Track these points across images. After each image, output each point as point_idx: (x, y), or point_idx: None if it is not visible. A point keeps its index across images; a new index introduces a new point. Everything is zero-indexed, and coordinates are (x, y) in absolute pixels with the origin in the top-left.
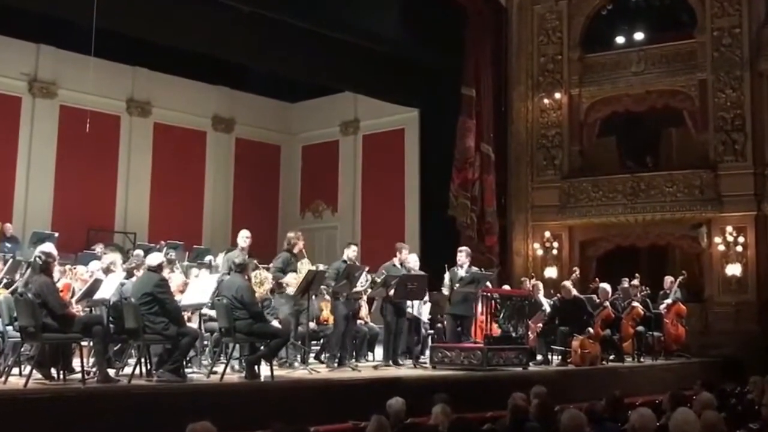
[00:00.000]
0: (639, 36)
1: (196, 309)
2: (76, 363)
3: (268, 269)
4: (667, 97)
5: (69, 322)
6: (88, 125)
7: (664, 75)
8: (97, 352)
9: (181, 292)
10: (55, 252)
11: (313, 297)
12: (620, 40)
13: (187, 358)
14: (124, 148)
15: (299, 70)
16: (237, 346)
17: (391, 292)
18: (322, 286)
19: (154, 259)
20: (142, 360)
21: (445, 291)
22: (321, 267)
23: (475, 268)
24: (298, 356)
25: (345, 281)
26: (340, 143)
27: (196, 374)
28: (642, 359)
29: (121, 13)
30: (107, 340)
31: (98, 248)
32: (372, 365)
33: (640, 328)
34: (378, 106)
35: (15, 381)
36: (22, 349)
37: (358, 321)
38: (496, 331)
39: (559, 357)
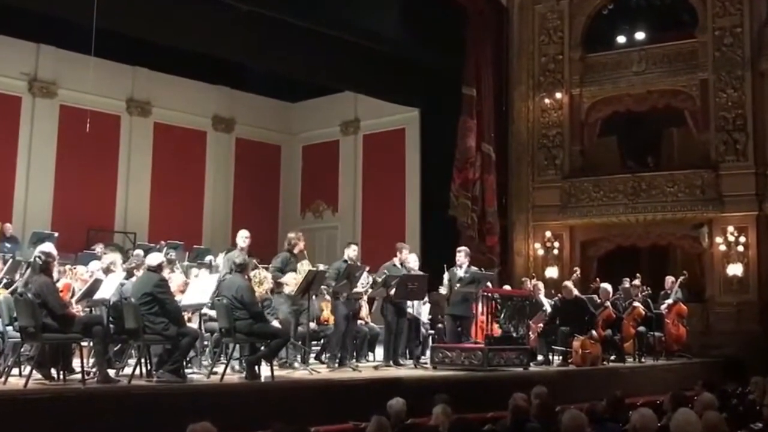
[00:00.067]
0: (640, 36)
1: (196, 309)
2: (76, 363)
3: (267, 269)
4: (668, 97)
5: (69, 323)
6: (88, 125)
7: (665, 75)
8: (97, 352)
9: (182, 292)
10: (54, 252)
11: (314, 297)
12: (621, 39)
13: (188, 359)
14: (124, 148)
15: (299, 69)
16: (237, 346)
17: (392, 292)
18: (322, 286)
19: (154, 259)
20: (142, 360)
21: (443, 291)
22: (321, 267)
23: (474, 268)
24: (298, 356)
25: (345, 281)
26: (341, 143)
27: (196, 374)
28: (643, 359)
29: (121, 12)
30: (107, 341)
31: (98, 248)
32: (372, 365)
33: (641, 328)
34: (378, 105)
35: (15, 381)
36: (22, 350)
37: (359, 321)
38: (497, 331)
39: (560, 357)
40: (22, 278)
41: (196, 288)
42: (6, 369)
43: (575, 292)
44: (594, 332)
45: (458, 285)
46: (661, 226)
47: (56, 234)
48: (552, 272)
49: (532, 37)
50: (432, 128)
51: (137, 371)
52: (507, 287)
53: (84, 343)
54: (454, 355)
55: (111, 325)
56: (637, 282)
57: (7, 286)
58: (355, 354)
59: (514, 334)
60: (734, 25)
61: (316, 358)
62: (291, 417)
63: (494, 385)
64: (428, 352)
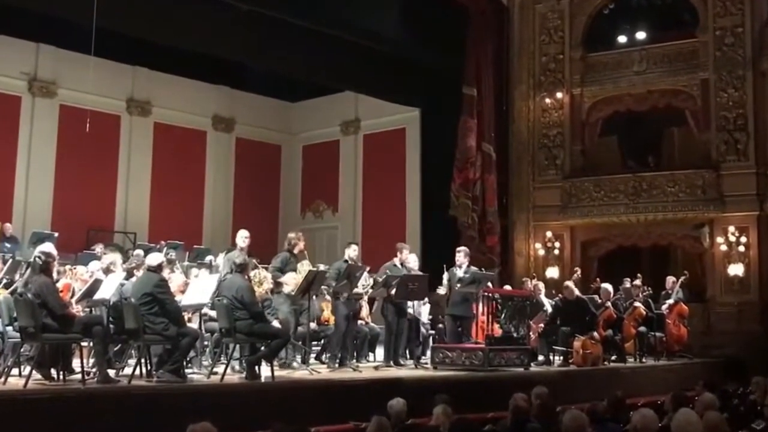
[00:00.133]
0: (641, 35)
1: (197, 309)
2: (76, 363)
3: (267, 269)
4: (669, 97)
5: (69, 323)
6: (88, 125)
7: (666, 74)
8: (97, 352)
9: (182, 292)
10: (54, 252)
11: (314, 297)
12: (622, 39)
13: (188, 359)
14: (124, 148)
15: (300, 69)
16: (237, 346)
17: (392, 292)
18: (322, 287)
19: (154, 259)
20: (142, 360)
21: (442, 291)
22: (321, 267)
23: (474, 268)
24: (298, 356)
25: (346, 281)
26: (341, 143)
27: (196, 375)
28: (644, 360)
29: (121, 12)
30: (107, 341)
31: (98, 248)
32: (373, 366)
33: (642, 328)
34: (379, 105)
35: (15, 381)
36: (22, 350)
37: (359, 321)
38: (498, 331)
39: (561, 357)
40: (22, 278)
41: (196, 288)
42: (6, 369)
43: (577, 292)
44: (595, 332)
45: (458, 285)
46: (662, 226)
47: (56, 234)
48: (553, 272)
49: (532, 36)
50: (432, 128)
51: (137, 371)
52: (507, 287)
53: (84, 344)
54: (455, 356)
55: (111, 325)
56: (638, 282)
57: (7, 286)
58: (355, 354)
59: (515, 335)
60: (735, 25)
61: (316, 359)
62: (291, 417)
63: (495, 386)
64: (429, 353)
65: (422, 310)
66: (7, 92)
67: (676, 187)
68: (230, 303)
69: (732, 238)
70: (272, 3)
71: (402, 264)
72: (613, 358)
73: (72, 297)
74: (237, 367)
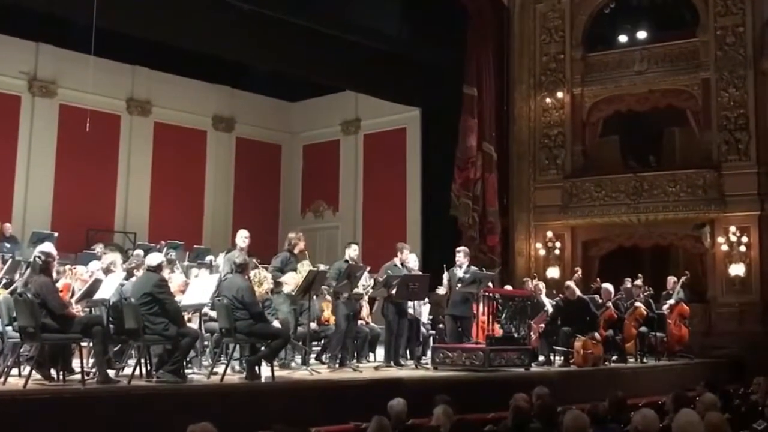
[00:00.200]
0: (642, 35)
1: (197, 309)
2: (75, 363)
3: (267, 269)
4: (670, 97)
5: (69, 323)
6: (87, 124)
7: (667, 74)
8: (96, 352)
9: (182, 292)
10: (54, 252)
11: (315, 297)
12: (623, 38)
13: (188, 359)
14: (124, 148)
15: (300, 68)
16: (237, 346)
17: (393, 292)
18: (323, 286)
19: (154, 259)
20: (142, 361)
21: (441, 291)
22: (322, 267)
23: (474, 268)
24: (297, 357)
25: (346, 281)
26: (341, 142)
27: (196, 375)
28: (645, 360)
29: (121, 12)
30: (107, 341)
31: (98, 248)
32: (373, 366)
33: (643, 328)
34: (379, 105)
35: (14, 382)
36: (22, 350)
37: (359, 321)
38: (498, 331)
39: (562, 358)
40: (22, 278)
41: (196, 288)
42: (5, 369)
43: (578, 292)
44: (596, 333)
45: (459, 285)
46: (663, 226)
47: (56, 234)
48: (553, 272)
49: (533, 36)
50: (433, 128)
51: (137, 371)
52: (508, 287)
53: (84, 344)
54: (455, 356)
55: (111, 326)
56: (638, 282)
57: (6, 286)
58: (355, 354)
59: (516, 335)
60: (736, 24)
61: (316, 359)
62: (291, 417)
63: (495, 386)
64: (429, 353)
65: (422, 310)
66: (6, 92)
67: (677, 186)
68: (230, 303)
69: (733, 238)
70: (272, 2)
71: (402, 264)
72: (614, 358)
73: (72, 297)
74: (237, 367)
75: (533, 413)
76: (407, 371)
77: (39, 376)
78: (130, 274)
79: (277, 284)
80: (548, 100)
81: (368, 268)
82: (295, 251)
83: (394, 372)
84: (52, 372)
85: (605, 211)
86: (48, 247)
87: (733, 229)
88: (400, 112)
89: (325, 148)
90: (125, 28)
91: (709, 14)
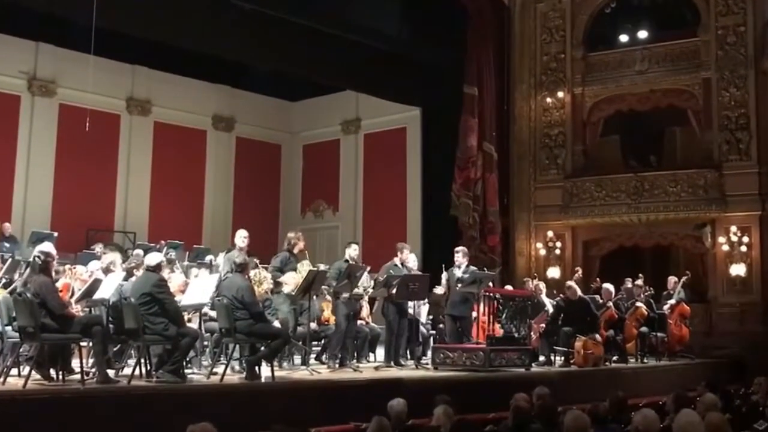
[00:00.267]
0: (642, 34)
1: (197, 309)
2: (75, 363)
3: (267, 269)
4: (670, 96)
5: (68, 323)
6: (87, 124)
7: (667, 74)
8: (96, 352)
9: (182, 292)
10: (54, 252)
11: (315, 297)
12: (624, 38)
13: (187, 359)
14: (123, 147)
15: (300, 68)
16: (237, 346)
17: (393, 292)
18: (323, 286)
19: (153, 258)
20: (142, 360)
21: (439, 291)
22: (322, 267)
23: (473, 268)
24: (296, 356)
25: (346, 281)
26: (342, 142)
27: (196, 375)
28: (645, 360)
29: (121, 11)
30: (107, 341)
31: (98, 248)
32: (373, 366)
33: (644, 328)
34: (379, 104)
35: (14, 382)
36: (21, 350)
37: (360, 321)
38: (499, 331)
39: (562, 358)
40: (21, 278)
41: (196, 288)
42: (5, 369)
43: (579, 292)
44: (598, 336)
45: (459, 285)
46: (664, 226)
47: (56, 234)
48: (554, 272)
49: (533, 35)
50: (433, 127)
51: (137, 371)
52: (509, 287)
53: (83, 344)
54: (456, 356)
55: (110, 325)
56: (639, 282)
57: (6, 286)
58: (355, 354)
59: (516, 335)
60: (737, 24)
61: (316, 359)
62: (291, 418)
63: (496, 386)
64: (429, 353)
65: (421, 310)
66: (6, 91)
67: (678, 186)
68: (230, 303)
69: (734, 238)
70: (273, 2)
71: (402, 264)
72: (615, 358)
73: (71, 297)
74: (237, 367)
75: (534, 413)
76: (407, 371)
77: (39, 376)
78: (129, 273)
79: (277, 284)
80: (549, 99)
81: (368, 268)
82: (295, 251)
83: (394, 372)
84: (52, 372)
85: (606, 211)
86: (47, 246)
87: (734, 229)
88: (400, 112)
89: (325, 148)
90: (125, 28)
91: (710, 14)
